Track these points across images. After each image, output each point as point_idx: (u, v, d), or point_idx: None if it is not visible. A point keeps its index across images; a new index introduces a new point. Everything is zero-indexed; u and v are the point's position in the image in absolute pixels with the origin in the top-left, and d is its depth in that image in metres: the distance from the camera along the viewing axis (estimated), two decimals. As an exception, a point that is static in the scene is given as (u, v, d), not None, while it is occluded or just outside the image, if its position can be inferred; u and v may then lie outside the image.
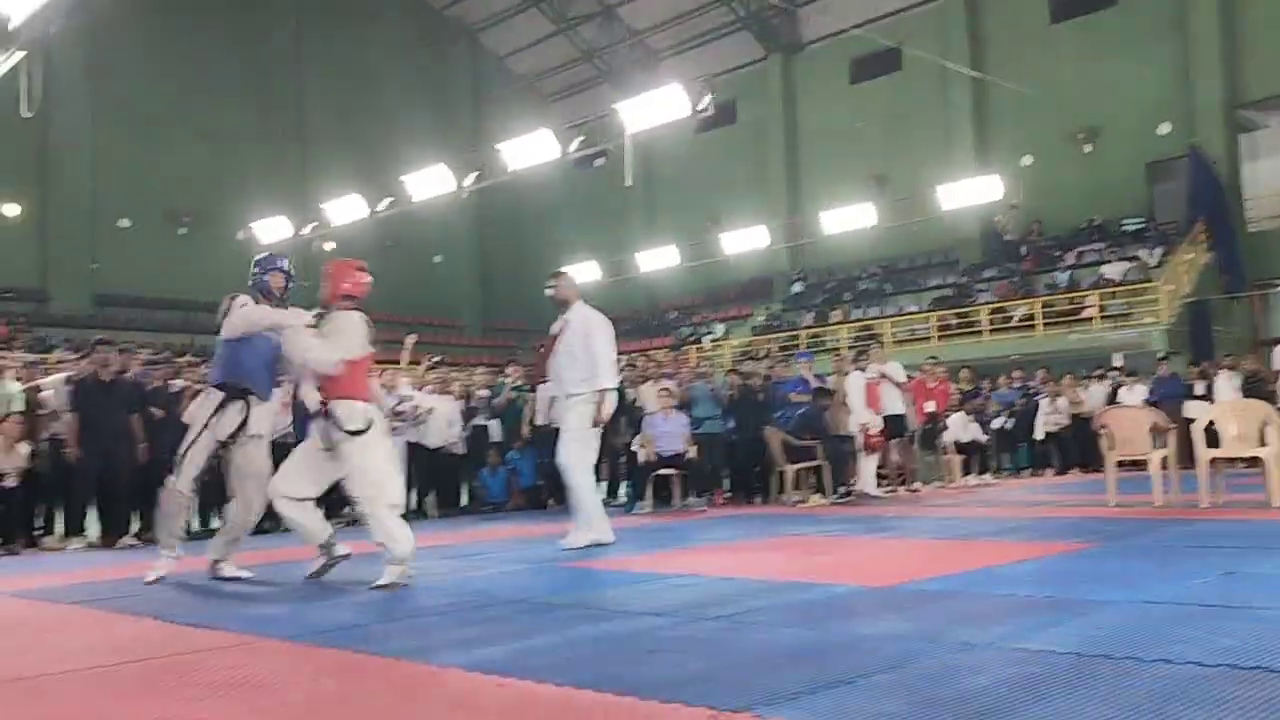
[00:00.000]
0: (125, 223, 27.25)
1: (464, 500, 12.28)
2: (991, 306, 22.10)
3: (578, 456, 6.89)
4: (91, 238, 26.62)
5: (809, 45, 29.26)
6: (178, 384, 10.08)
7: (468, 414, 12.14)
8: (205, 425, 5.74)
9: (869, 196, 25.44)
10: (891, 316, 24.14)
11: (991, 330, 21.55)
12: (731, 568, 5.56)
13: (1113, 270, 21.43)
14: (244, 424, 5.76)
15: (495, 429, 12.28)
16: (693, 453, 10.79)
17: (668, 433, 10.71)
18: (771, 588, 4.66)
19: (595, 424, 6.85)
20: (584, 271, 29.32)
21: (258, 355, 5.83)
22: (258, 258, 6.38)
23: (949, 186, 22.63)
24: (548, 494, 11.67)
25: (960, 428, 13.70)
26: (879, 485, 11.73)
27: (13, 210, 25.70)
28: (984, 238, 25.32)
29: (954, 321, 22.61)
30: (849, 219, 24.22)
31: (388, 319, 31.38)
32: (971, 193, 22.39)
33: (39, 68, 11.77)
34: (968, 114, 25.42)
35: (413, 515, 11.34)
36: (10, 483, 8.66)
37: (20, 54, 11.80)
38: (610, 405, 6.94)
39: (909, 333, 23.14)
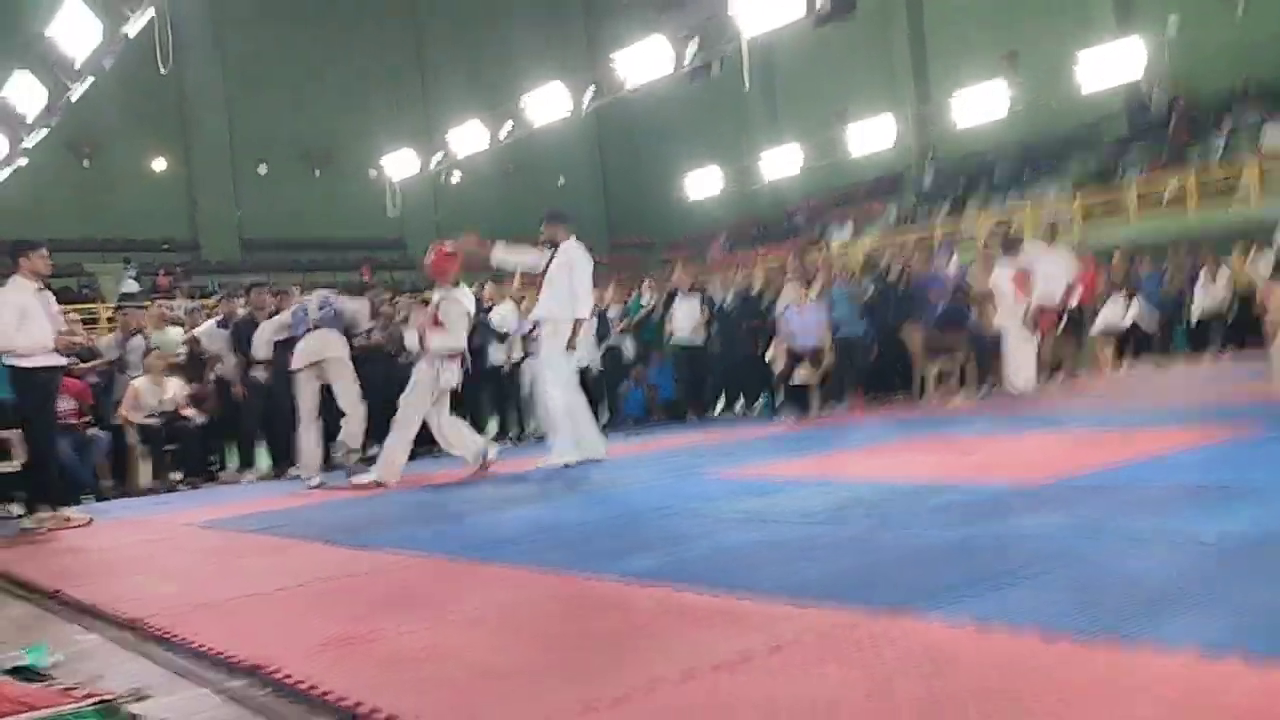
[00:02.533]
0: (263, 169, 28.27)
1: (604, 418, 12.47)
2: (1139, 184, 20.87)
3: (553, 381, 7.37)
4: (233, 186, 27.76)
5: (929, -79, 27.73)
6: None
7: (600, 334, 12.22)
8: None
9: (1001, 77, 24.13)
10: (1031, 202, 23.07)
11: (1140, 210, 20.38)
12: (877, 471, 5.50)
13: (1275, 136, 19.89)
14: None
15: (628, 347, 12.37)
16: (829, 358, 10.60)
17: (804, 326, 10.49)
18: (920, 489, 4.60)
19: (569, 349, 7.35)
20: (706, 180, 29.00)
21: None
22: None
23: (1087, 58, 21.21)
24: (686, 407, 11.76)
25: (1111, 314, 13.12)
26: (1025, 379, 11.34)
27: (160, 165, 26.96)
28: (1128, 111, 23.80)
29: (1098, 203, 21.48)
30: (981, 103, 23.04)
31: (517, 244, 31.94)
32: (1112, 63, 20.95)
33: (169, 24, 12.16)
34: (1107, -26, 23.74)
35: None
36: (191, 415, 9.21)
37: (150, 12, 12.22)
38: (582, 333, 7.54)
39: (1052, 218, 22.12)
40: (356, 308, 8.49)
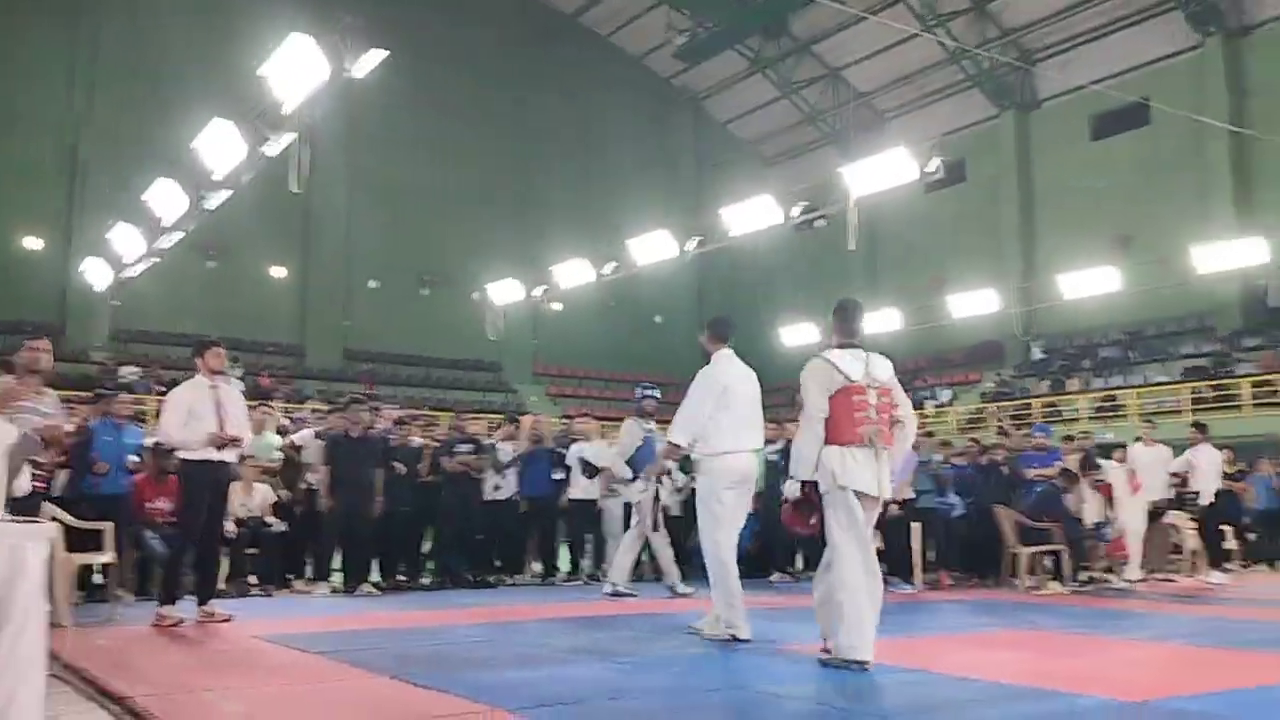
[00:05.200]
0: (374, 284, 29.39)
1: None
2: (1255, 379, 20.22)
3: (704, 529, 6.09)
4: (345, 298, 28.87)
5: (1045, 102, 28.13)
6: (417, 441, 10.65)
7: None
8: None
9: (1112, 258, 23.96)
10: (1138, 387, 22.52)
11: (1255, 404, 19.69)
12: (961, 665, 5.23)
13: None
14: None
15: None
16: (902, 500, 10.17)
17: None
18: (1008, 694, 4.35)
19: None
20: (800, 333, 29.08)
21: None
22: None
23: (1204, 248, 20.96)
24: (770, 563, 11.45)
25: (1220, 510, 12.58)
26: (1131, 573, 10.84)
27: (280, 273, 28.25)
28: (1245, 303, 23.28)
29: (1209, 394, 20.84)
30: (1090, 282, 22.82)
31: (609, 376, 32.36)
32: (1230, 255, 20.64)
33: (306, 148, 12.93)
34: (1226, 170, 23.56)
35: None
36: (273, 523, 9.35)
37: (291, 136, 13.02)
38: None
39: (1156, 405, 21.51)
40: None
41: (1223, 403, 20.40)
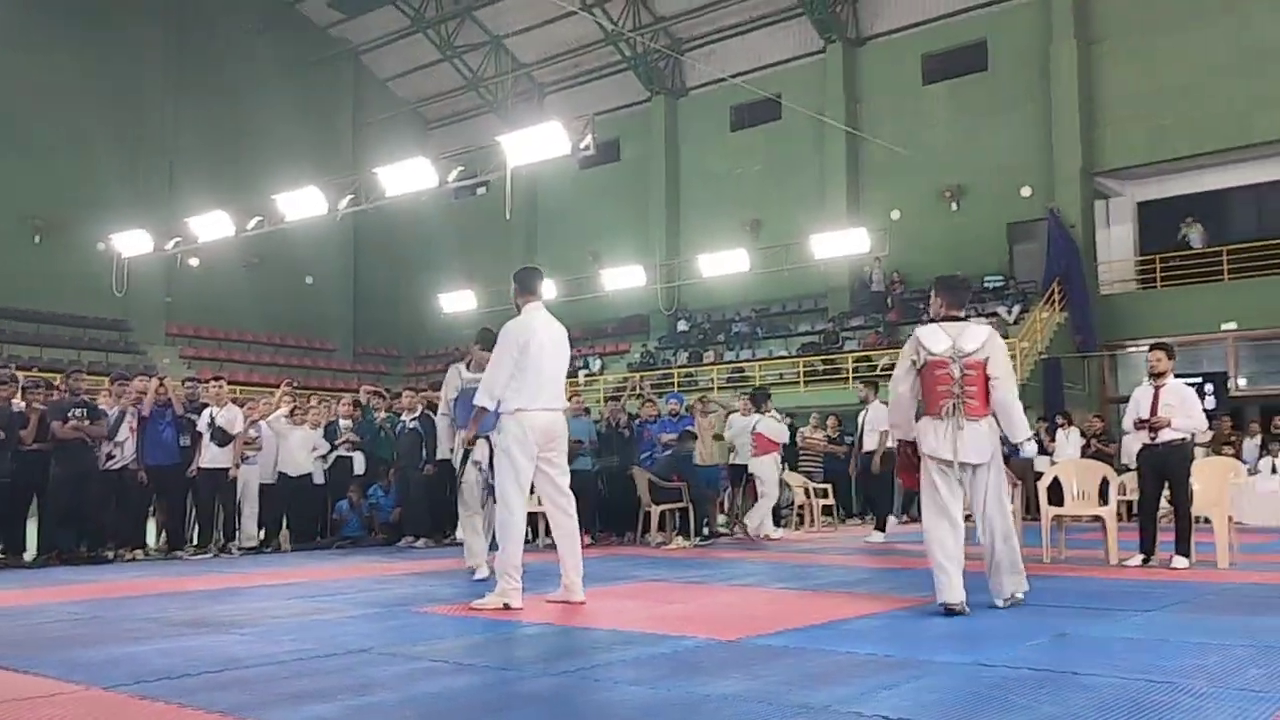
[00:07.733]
0: (-28, 227, 25.78)
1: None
2: (856, 354, 22.74)
3: (501, 492, 5.90)
4: (-68, 240, 25.11)
5: (692, 90, 29.82)
6: (19, 405, 9.55)
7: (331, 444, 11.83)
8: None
9: (744, 241, 26.02)
10: (761, 360, 24.61)
11: (856, 377, 22.13)
12: (585, 616, 5.54)
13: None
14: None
15: (358, 461, 12.00)
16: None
17: None
18: (622, 639, 4.67)
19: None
20: (459, 300, 29.07)
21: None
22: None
23: (821, 235, 23.31)
24: (407, 531, 11.43)
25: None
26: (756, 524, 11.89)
27: None
28: (852, 287, 26.10)
29: (821, 367, 23.18)
30: (724, 262, 24.66)
31: (252, 339, 30.58)
32: (842, 243, 23.09)
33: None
34: (842, 166, 26.20)
35: (264, 547, 10.98)
36: None
37: None
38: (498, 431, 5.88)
39: (778, 376, 23.63)
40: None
41: (831, 375, 22.76)
